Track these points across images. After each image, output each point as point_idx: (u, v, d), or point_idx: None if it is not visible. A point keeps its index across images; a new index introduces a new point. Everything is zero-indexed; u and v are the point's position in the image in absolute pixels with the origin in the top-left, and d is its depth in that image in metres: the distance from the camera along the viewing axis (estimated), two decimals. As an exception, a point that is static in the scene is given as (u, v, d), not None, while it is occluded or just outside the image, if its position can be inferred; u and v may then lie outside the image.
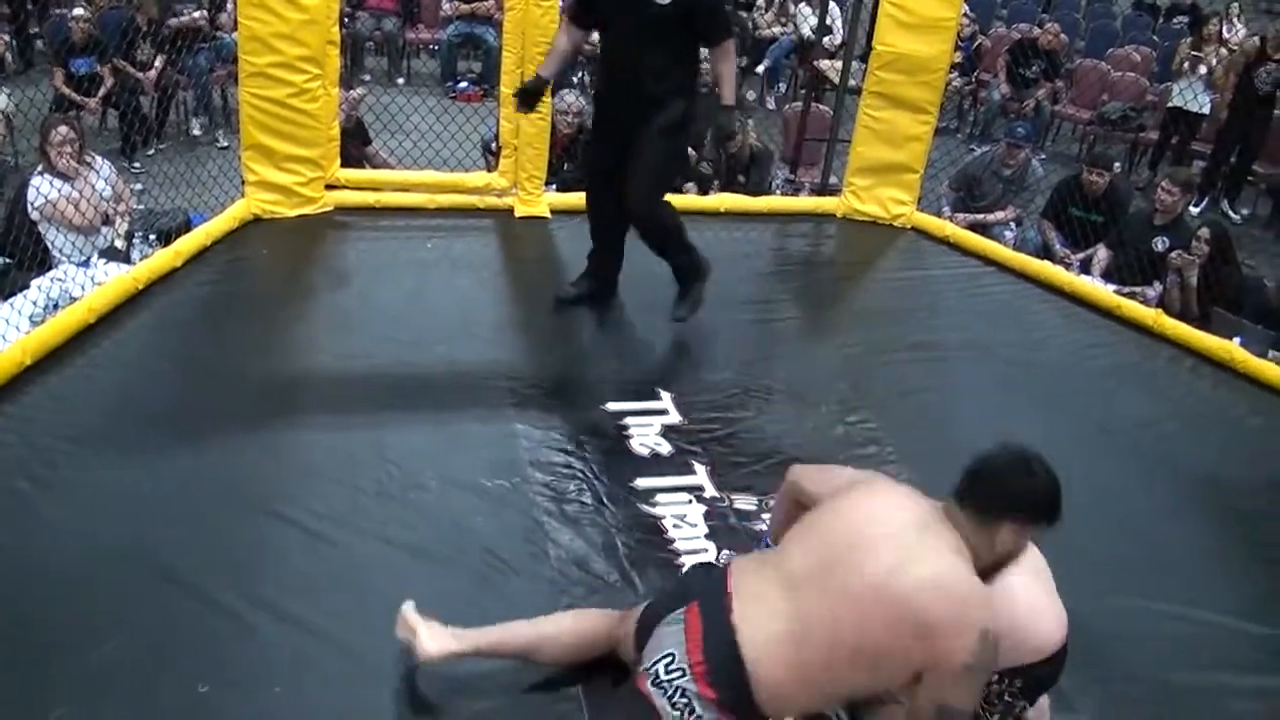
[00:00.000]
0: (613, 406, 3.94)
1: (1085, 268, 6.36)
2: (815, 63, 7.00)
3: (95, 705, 2.46)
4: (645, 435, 3.82)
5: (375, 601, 2.77)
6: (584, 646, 2.63)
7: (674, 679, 2.31)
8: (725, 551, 3.28)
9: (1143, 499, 3.85)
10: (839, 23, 9.58)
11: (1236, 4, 10.03)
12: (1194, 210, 8.29)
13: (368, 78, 9.72)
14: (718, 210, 5.85)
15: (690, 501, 3.50)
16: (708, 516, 3.44)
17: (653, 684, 2.33)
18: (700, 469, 3.66)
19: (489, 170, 5.69)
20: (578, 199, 5.56)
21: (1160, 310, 5.45)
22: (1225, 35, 9.20)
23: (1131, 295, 5.76)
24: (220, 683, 2.55)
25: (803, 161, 7.25)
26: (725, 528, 3.40)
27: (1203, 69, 9.04)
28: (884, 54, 5.66)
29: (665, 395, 4.05)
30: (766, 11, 10.71)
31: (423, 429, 3.75)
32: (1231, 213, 8.96)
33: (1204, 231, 5.94)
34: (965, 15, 6.84)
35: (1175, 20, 12.82)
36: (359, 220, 5.26)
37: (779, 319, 4.89)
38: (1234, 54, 8.92)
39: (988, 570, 2.31)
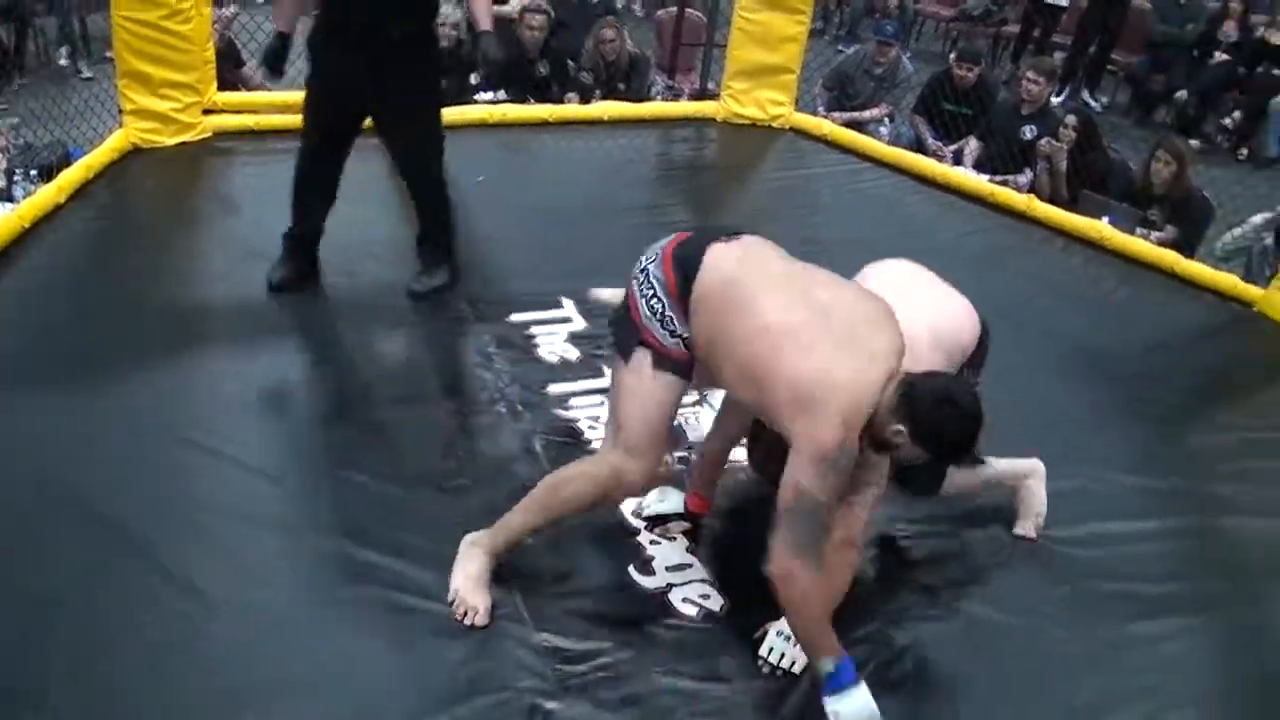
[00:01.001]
0: (517, 318, 4.02)
1: (958, 159, 6.58)
2: (686, -33, 7.06)
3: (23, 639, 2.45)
4: (552, 343, 3.91)
5: (295, 524, 2.85)
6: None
7: (648, 263, 2.59)
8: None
9: (1022, 366, 4.06)
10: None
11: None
12: (1057, 100, 8.58)
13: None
14: (600, 118, 5.91)
15: (603, 403, 3.58)
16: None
17: (636, 276, 2.60)
18: (609, 371, 3.76)
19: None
20: (461, 114, 5.56)
21: (1032, 195, 5.70)
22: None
23: (1004, 183, 6.02)
24: (142, 621, 2.54)
25: (679, 67, 7.30)
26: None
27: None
28: (753, -39, 5.74)
29: (567, 303, 4.14)
30: (631, -83, 10.67)
31: (330, 351, 3.80)
32: (1092, 101, 9.31)
33: (1070, 119, 6.20)
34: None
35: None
36: (241, 145, 5.18)
37: (668, 223, 4.95)
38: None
39: (876, 447, 2.43)
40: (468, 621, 2.62)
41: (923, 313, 2.75)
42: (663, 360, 2.56)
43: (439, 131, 3.99)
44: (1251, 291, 4.92)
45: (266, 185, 4.78)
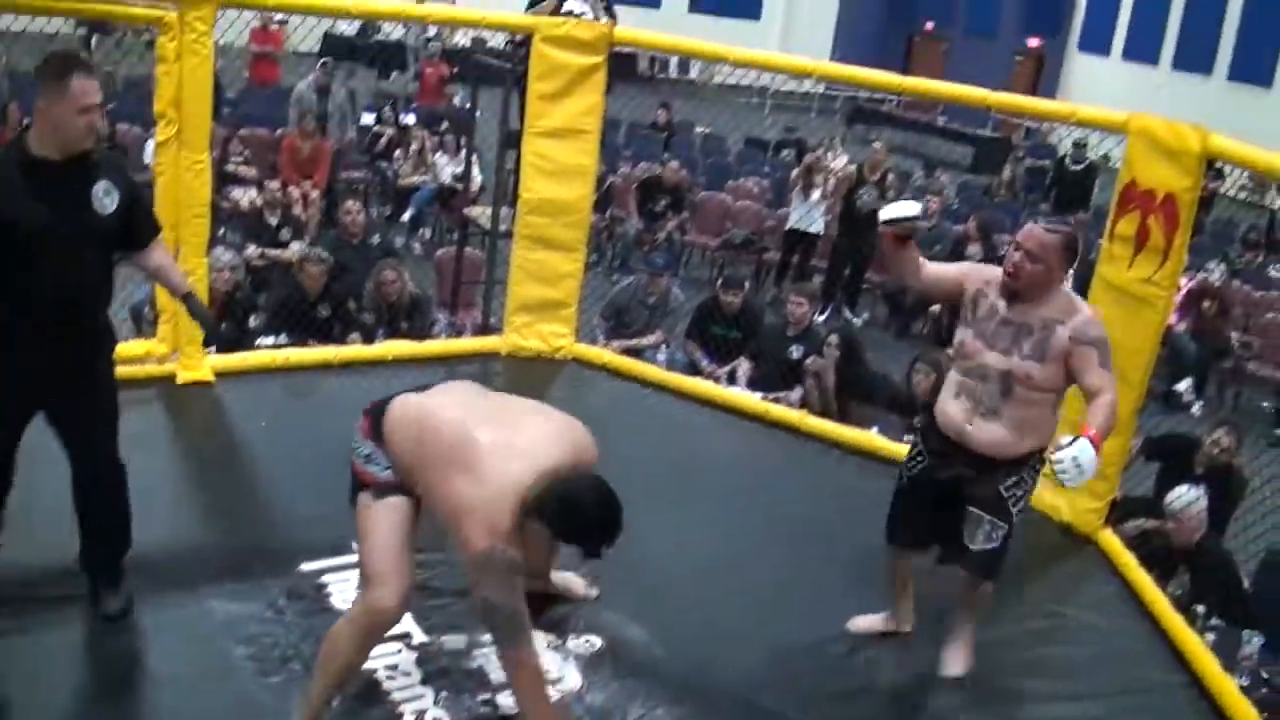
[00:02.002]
0: (307, 566, 3.92)
1: (731, 379, 6.87)
2: (465, 210, 7.27)
3: None
4: (344, 591, 3.81)
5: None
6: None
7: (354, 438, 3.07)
8: (443, 693, 3.33)
9: (813, 582, 4.24)
10: (476, 169, 9.95)
11: (838, 136, 11.36)
12: (820, 319, 9.12)
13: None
14: (385, 358, 5.93)
15: (400, 650, 3.53)
16: (420, 662, 3.50)
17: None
18: (405, 616, 3.69)
19: (140, 338, 5.53)
20: (243, 359, 5.53)
21: (804, 410, 5.99)
22: (831, 165, 10.28)
23: (776, 400, 6.29)
24: None
25: (460, 304, 7.45)
26: (439, 670, 3.46)
27: (815, 194, 10.05)
28: (530, 200, 5.98)
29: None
30: (405, 162, 10.99)
31: (114, 621, 3.58)
32: (852, 317, 9.93)
33: (833, 337, 6.60)
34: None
35: (784, 152, 14.16)
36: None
37: (459, 459, 4.99)
38: (839, 179, 9.99)
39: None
40: None
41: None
42: (382, 489, 2.97)
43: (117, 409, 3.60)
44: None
45: (36, 442, 4.60)
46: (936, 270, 3.81)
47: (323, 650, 3.01)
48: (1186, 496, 4.88)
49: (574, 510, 2.80)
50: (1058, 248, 3.46)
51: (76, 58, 3.39)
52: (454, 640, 3.60)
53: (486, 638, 3.59)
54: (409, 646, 3.55)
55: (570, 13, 6.11)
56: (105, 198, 3.29)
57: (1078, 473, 3.11)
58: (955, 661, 3.81)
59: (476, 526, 2.73)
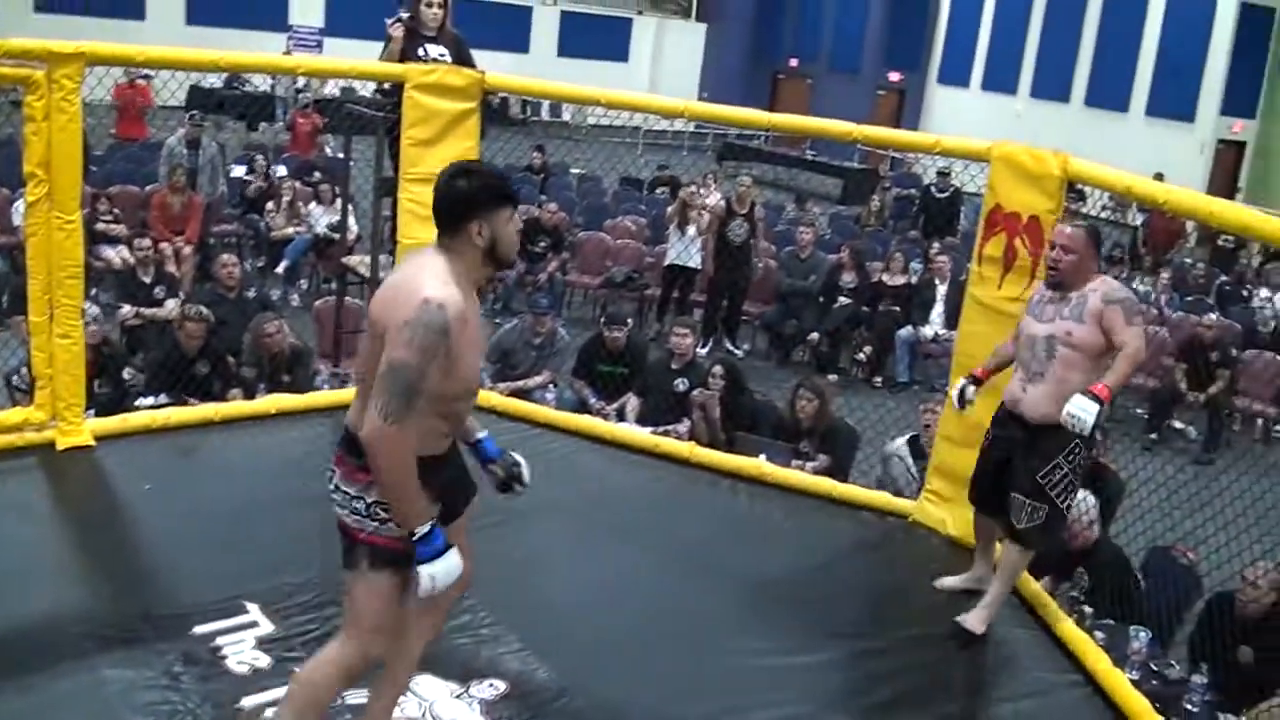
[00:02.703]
0: (200, 629, 3.82)
1: (620, 415, 6.91)
2: (343, 259, 7.20)
3: None
4: (240, 652, 3.73)
5: None
6: None
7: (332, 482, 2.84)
8: None
9: (713, 610, 4.30)
10: (351, 218, 9.88)
11: (711, 175, 11.61)
12: (703, 351, 9.25)
13: None
14: (270, 412, 5.83)
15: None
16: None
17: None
18: (304, 673, 3.63)
19: (14, 404, 5.36)
20: (123, 421, 5.39)
21: (692, 442, 6.05)
22: (705, 200, 10.45)
23: (665, 433, 6.35)
24: None
25: (343, 354, 7.36)
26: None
27: (691, 230, 10.19)
28: (410, 245, 5.95)
29: (252, 607, 3.98)
30: (278, 213, 10.85)
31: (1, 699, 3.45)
32: (734, 348, 10.07)
33: (717, 369, 6.69)
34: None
35: (659, 190, 14.34)
36: None
37: (351, 510, 4.93)
38: (711, 214, 10.16)
39: (493, 260, 2.84)
40: None
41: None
42: (377, 556, 2.79)
43: None
44: (904, 505, 5.38)
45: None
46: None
47: (301, 695, 2.90)
48: (1077, 498, 5.04)
49: (462, 174, 2.79)
50: (1084, 238, 4.07)
51: None
52: (356, 696, 3.54)
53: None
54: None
55: (426, 56, 6.08)
56: None
57: (1076, 421, 3.79)
58: (977, 620, 4.25)
59: (406, 300, 2.65)
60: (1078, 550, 5.01)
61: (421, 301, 2.63)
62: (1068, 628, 4.37)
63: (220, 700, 3.45)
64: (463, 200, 2.77)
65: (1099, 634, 4.37)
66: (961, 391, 4.48)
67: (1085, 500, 5.03)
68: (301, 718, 2.89)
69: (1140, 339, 3.95)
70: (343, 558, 2.86)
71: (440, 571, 2.70)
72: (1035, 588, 4.65)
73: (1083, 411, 3.79)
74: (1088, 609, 4.60)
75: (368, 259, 6.59)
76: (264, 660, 3.69)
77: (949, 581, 4.62)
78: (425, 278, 2.70)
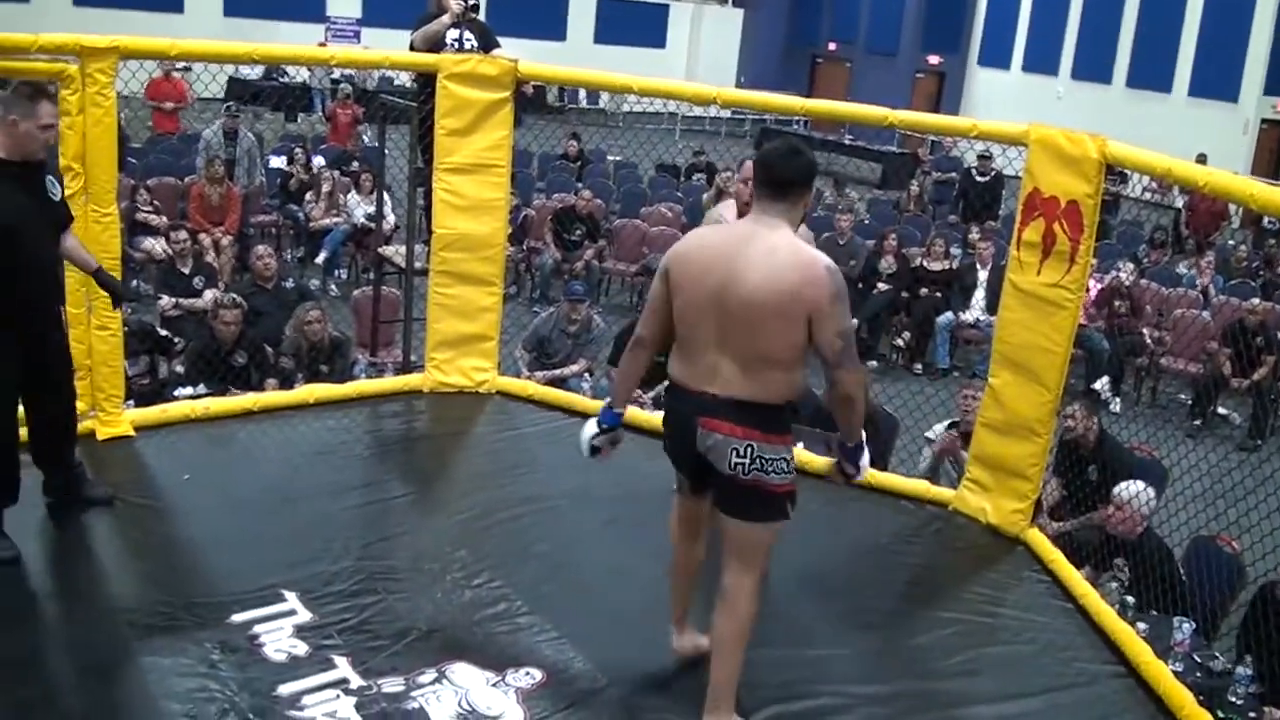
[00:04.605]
0: (238, 618, 3.84)
1: (657, 403, 6.88)
2: (379, 249, 7.22)
3: None
4: (278, 640, 3.75)
5: None
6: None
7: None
8: (384, 736, 3.29)
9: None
10: (389, 207, 9.91)
11: (749, 160, 11.39)
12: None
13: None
14: (307, 402, 5.86)
15: (338, 696, 3.48)
16: (359, 707, 3.44)
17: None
18: (341, 661, 3.65)
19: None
20: (162, 412, 5.44)
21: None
22: (740, 187, 10.35)
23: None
24: None
25: (380, 344, 7.40)
26: (378, 715, 3.41)
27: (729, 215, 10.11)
28: (445, 236, 5.96)
29: (290, 595, 4.00)
30: (317, 203, 10.90)
31: (41, 685, 3.48)
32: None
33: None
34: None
35: (695, 177, 14.29)
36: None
37: (389, 498, 4.95)
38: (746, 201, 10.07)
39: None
40: None
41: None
42: (792, 500, 3.37)
43: None
44: (945, 494, 5.32)
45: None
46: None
47: (735, 628, 3.34)
48: (1133, 489, 4.98)
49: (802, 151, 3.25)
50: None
51: (43, 86, 4.18)
52: (392, 684, 3.56)
53: (426, 678, 3.57)
54: (346, 692, 3.50)
55: (457, 42, 6.12)
56: (54, 188, 4.18)
57: None
58: None
59: (817, 273, 3.10)
60: (1122, 540, 4.95)
61: (828, 271, 3.09)
62: (1110, 619, 4.31)
63: (258, 688, 3.47)
64: (802, 170, 3.22)
65: (1141, 625, 4.30)
66: None
67: (1144, 492, 4.96)
68: (743, 640, 3.34)
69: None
70: (747, 513, 3.28)
71: (867, 461, 3.47)
72: (1076, 577, 4.60)
73: None
74: (1130, 599, 4.54)
75: (403, 249, 6.61)
76: (301, 648, 3.70)
77: None
78: (802, 248, 3.14)
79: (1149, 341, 9.55)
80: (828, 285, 3.06)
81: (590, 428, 3.68)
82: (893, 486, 5.43)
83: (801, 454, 5.52)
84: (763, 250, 3.10)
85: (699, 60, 27.21)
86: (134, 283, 8.85)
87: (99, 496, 4.50)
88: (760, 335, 3.10)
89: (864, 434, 3.39)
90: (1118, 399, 9.22)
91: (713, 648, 3.41)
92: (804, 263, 3.08)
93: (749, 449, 3.16)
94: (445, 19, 6.18)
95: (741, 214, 4.07)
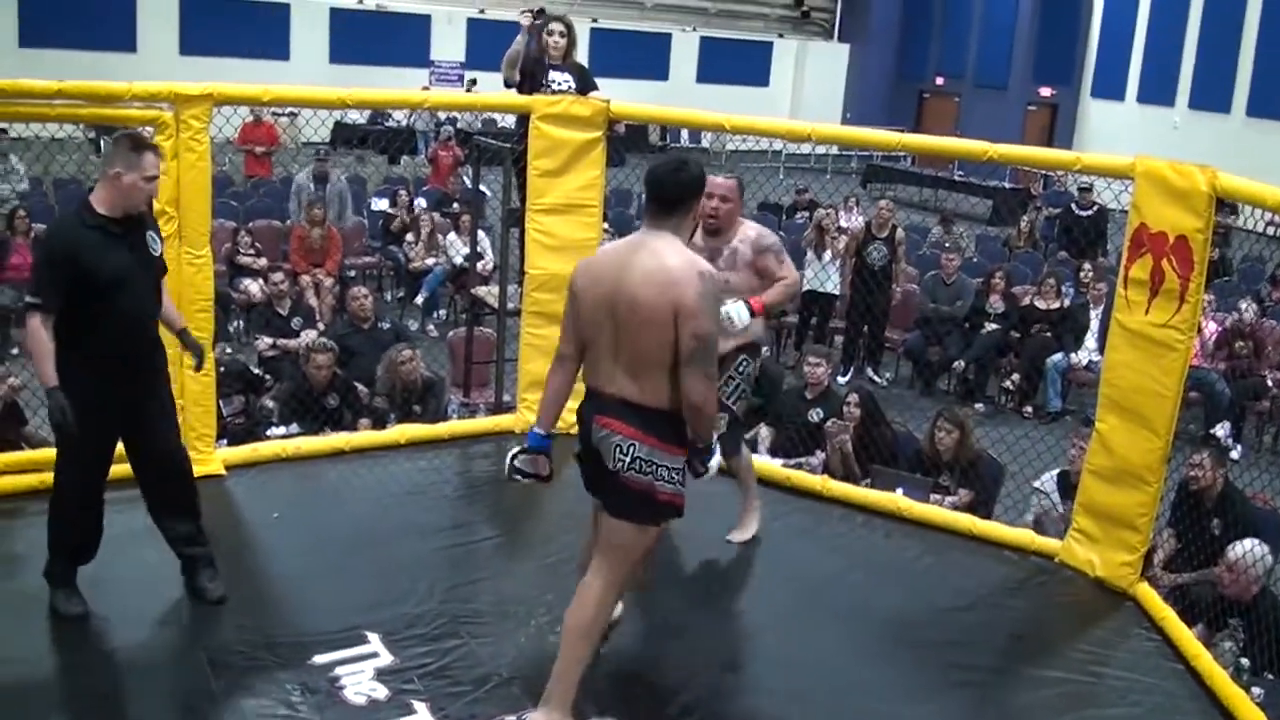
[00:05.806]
0: (320, 659, 3.83)
1: (753, 446, 6.75)
2: (473, 290, 7.24)
3: None
4: (359, 683, 3.73)
5: None
6: None
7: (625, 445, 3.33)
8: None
9: (838, 647, 4.17)
10: (488, 248, 9.98)
11: (853, 198, 11.30)
12: (843, 380, 9.04)
13: (15, 351, 9.14)
14: (399, 442, 5.87)
15: (415, 743, 3.43)
16: (438, 755, 3.38)
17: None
18: (420, 706, 3.62)
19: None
20: (253, 451, 5.49)
21: (826, 475, 5.87)
22: (844, 224, 10.22)
23: (798, 465, 6.18)
24: None
25: (474, 384, 7.40)
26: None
27: (827, 254, 9.99)
28: (537, 276, 5.95)
29: (373, 637, 3.98)
30: (417, 244, 11.03)
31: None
32: (876, 378, 9.80)
33: (852, 398, 6.48)
34: (605, 230, 7.31)
35: (798, 215, 14.16)
36: (26, 505, 4.86)
37: (475, 541, 4.92)
38: (849, 237, 9.95)
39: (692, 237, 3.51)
40: None
41: None
42: (675, 510, 3.45)
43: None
44: (1050, 544, 5.10)
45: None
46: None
47: (579, 625, 3.39)
48: (1246, 547, 4.70)
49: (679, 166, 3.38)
50: (737, 187, 4.65)
51: (146, 138, 4.19)
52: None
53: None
54: (426, 740, 3.45)
55: (551, 84, 6.14)
56: (155, 243, 4.11)
57: (731, 319, 4.26)
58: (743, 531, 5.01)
59: (689, 276, 3.22)
60: (1234, 600, 4.68)
61: (700, 275, 3.22)
62: (1222, 682, 4.05)
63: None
64: (688, 186, 3.37)
65: (1256, 690, 4.04)
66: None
67: (1255, 550, 4.68)
68: (588, 638, 3.39)
69: (795, 272, 4.71)
70: (620, 510, 3.37)
71: (716, 463, 3.48)
72: (1188, 636, 4.35)
73: (738, 314, 4.32)
74: (1244, 662, 4.27)
75: (496, 289, 6.61)
76: (381, 692, 3.68)
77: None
78: (683, 253, 3.28)
79: (1271, 384, 9.12)
80: (695, 285, 3.21)
81: (513, 449, 3.71)
82: (996, 536, 5.22)
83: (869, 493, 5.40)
84: (646, 256, 3.28)
85: (803, 97, 27.10)
86: (233, 324, 9.02)
87: (209, 592, 4.19)
88: (640, 337, 3.25)
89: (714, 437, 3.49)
90: (1238, 446, 8.80)
91: (561, 638, 3.45)
92: (678, 265, 3.24)
93: (631, 447, 3.30)
94: (519, 39, 6.24)
95: (707, 230, 4.55)
